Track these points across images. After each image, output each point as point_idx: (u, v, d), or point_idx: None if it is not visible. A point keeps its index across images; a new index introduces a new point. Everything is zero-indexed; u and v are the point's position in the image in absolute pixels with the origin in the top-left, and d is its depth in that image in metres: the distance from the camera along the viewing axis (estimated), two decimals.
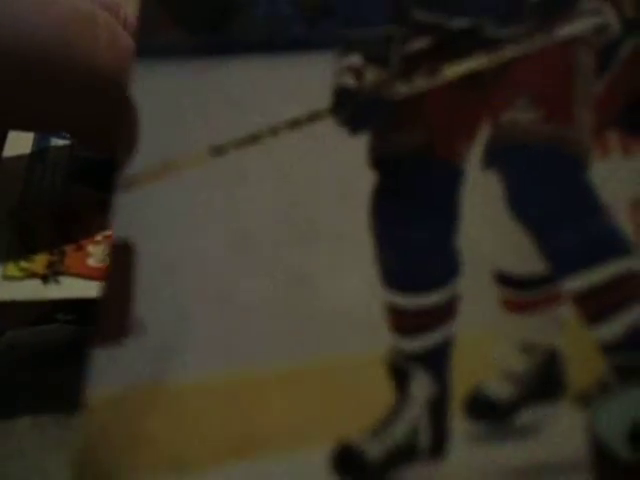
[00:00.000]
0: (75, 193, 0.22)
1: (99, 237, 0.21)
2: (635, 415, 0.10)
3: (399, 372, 0.11)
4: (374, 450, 0.11)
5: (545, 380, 0.11)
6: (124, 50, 0.17)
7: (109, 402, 0.11)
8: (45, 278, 0.21)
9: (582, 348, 0.11)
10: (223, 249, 0.12)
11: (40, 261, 0.21)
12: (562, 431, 0.11)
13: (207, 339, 0.11)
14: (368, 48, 0.13)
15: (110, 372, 0.11)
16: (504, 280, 0.12)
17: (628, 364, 0.11)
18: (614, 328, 0.11)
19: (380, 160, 0.13)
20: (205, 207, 0.13)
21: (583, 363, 0.11)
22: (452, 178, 0.13)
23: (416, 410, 0.11)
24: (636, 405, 0.11)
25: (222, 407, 0.11)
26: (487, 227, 0.12)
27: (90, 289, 0.21)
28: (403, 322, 0.12)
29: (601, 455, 0.10)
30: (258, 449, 0.11)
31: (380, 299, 0.12)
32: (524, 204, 0.12)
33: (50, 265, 0.21)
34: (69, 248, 0.22)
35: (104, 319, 0.11)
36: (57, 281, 0.19)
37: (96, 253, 0.21)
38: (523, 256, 0.12)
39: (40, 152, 0.22)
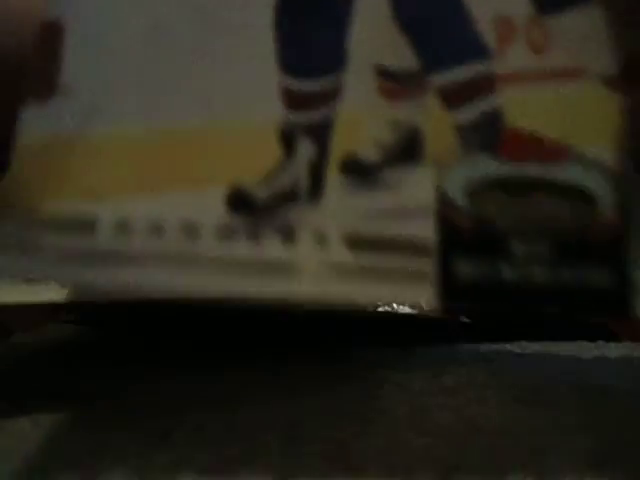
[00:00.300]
0: None
1: None
2: (471, 176, 0.14)
3: (288, 137, 0.14)
4: (262, 193, 0.14)
5: (407, 149, 0.14)
6: None
7: (37, 146, 0.13)
8: None
9: (441, 127, 0.14)
10: (142, 34, 0.14)
11: None
12: (417, 186, 0.14)
13: (126, 100, 0.14)
14: None
15: (38, 124, 0.13)
16: (383, 72, 0.15)
17: (475, 140, 0.14)
18: (468, 113, 0.14)
19: None
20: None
21: (440, 138, 0.14)
22: None
23: (300, 166, 0.14)
24: (473, 169, 0.14)
25: (135, 152, 0.14)
26: (374, 31, 0.15)
27: None
28: (295, 100, 0.14)
29: (444, 203, 0.14)
30: (164, 186, 0.13)
31: (278, 80, 0.14)
32: (404, 11, 0.15)
33: None
34: None
35: (34, 83, 0.14)
36: None
37: None
38: (402, 55, 0.15)
39: None
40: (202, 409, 0.19)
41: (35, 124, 0.14)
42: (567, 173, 0.14)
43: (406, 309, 0.13)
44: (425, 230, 0.14)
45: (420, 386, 0.21)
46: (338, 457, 0.16)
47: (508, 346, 0.27)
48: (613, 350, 0.28)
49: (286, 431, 0.18)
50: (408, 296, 0.14)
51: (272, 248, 0.13)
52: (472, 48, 0.15)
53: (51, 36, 0.14)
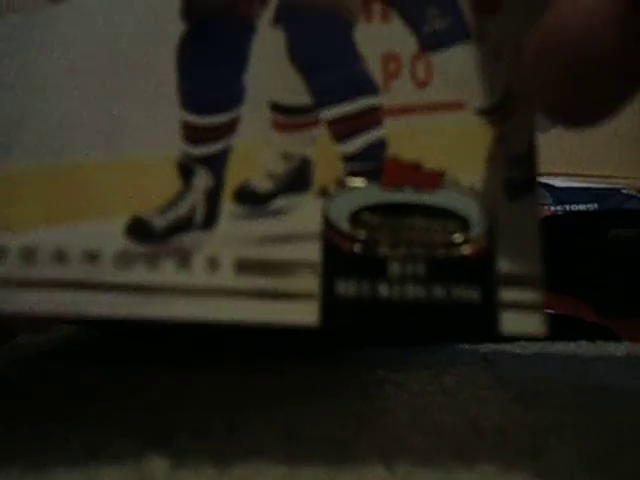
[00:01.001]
0: None
1: None
2: (354, 202, 0.15)
3: (186, 169, 0.16)
4: (160, 222, 0.15)
5: (297, 179, 0.16)
6: None
7: None
8: None
9: (328, 158, 0.16)
10: (51, 74, 0.16)
11: None
12: (305, 213, 0.15)
13: (34, 137, 0.15)
14: None
15: None
16: (277, 108, 0.16)
17: (358, 170, 0.16)
18: (355, 145, 0.16)
19: (190, 13, 0.16)
20: (41, 39, 0.16)
21: (327, 169, 0.16)
22: (247, 31, 0.16)
23: (196, 196, 0.15)
24: (357, 196, 0.15)
25: (42, 185, 0.15)
26: (270, 69, 0.16)
27: None
28: (194, 135, 0.16)
29: (329, 228, 0.15)
30: (68, 217, 0.15)
31: (178, 117, 0.16)
32: (299, 52, 0.16)
33: None
34: None
35: None
36: None
37: None
38: (295, 91, 0.16)
39: None
40: (202, 409, 0.19)
41: None
42: (442, 199, 0.15)
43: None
44: (311, 254, 0.15)
45: (420, 386, 0.22)
46: (338, 457, 0.16)
47: (508, 346, 0.27)
48: (613, 350, 0.28)
49: (286, 431, 0.18)
50: (294, 315, 0.15)
51: (168, 273, 0.15)
52: (360, 84, 0.16)
53: None
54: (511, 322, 0.15)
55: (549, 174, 0.43)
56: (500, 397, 0.21)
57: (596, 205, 0.42)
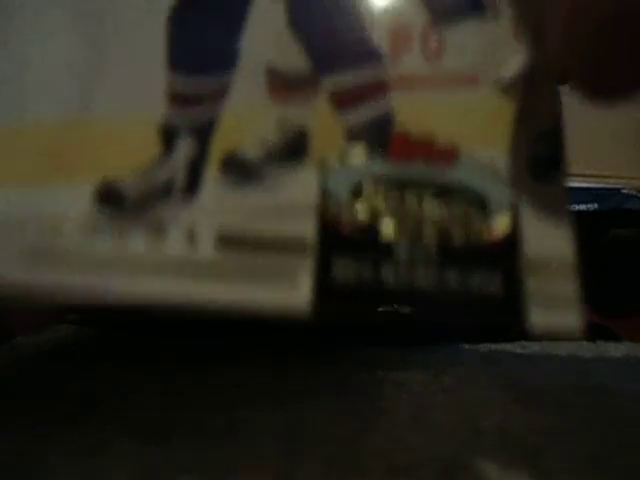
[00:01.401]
0: None
1: None
2: (358, 176, 0.13)
3: (169, 134, 0.14)
4: (132, 188, 0.13)
5: (292, 149, 0.14)
6: None
7: None
8: None
9: (328, 129, 0.14)
10: (22, 21, 0.14)
11: None
12: (299, 185, 0.13)
13: (2, 97, 0.14)
14: None
15: None
16: (274, 73, 0.15)
17: (362, 143, 0.14)
18: (358, 116, 0.14)
19: None
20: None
21: (326, 140, 0.14)
22: None
23: (177, 163, 0.14)
24: (360, 169, 0.14)
25: (6, 146, 0.13)
26: (267, 31, 0.15)
27: None
28: (181, 99, 0.14)
29: (326, 202, 0.13)
30: (34, 181, 0.13)
31: (165, 78, 0.14)
32: (300, 15, 0.15)
33: None
34: None
35: None
36: None
37: None
38: (294, 57, 0.15)
39: None
40: (202, 409, 0.19)
41: None
42: (457, 175, 0.14)
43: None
44: (305, 230, 0.13)
45: (420, 386, 0.21)
46: (338, 457, 0.16)
47: (508, 346, 0.27)
48: (613, 350, 0.28)
49: (286, 431, 0.18)
50: (283, 300, 0.13)
51: (138, 245, 0.13)
52: (365, 53, 0.15)
53: None
54: (541, 317, 0.13)
55: None
56: (500, 397, 0.21)
57: (596, 205, 0.42)
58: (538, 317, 0.13)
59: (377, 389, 0.21)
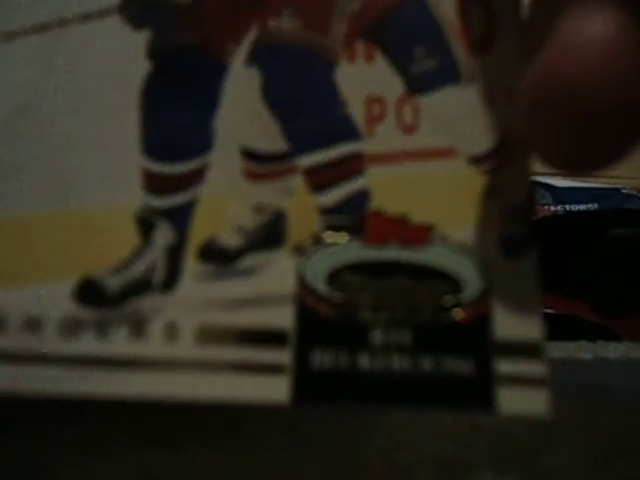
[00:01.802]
0: None
1: None
2: (333, 261, 0.14)
3: (145, 223, 0.14)
4: (114, 283, 0.13)
5: (269, 234, 0.14)
6: None
7: None
8: None
9: (304, 211, 0.14)
10: (4, 117, 0.14)
11: None
12: (277, 273, 0.14)
13: None
14: None
15: None
16: (249, 155, 0.14)
17: (337, 224, 0.14)
18: (333, 196, 0.14)
19: (157, 52, 0.15)
20: None
21: (303, 222, 0.14)
22: (218, 72, 0.15)
23: (156, 254, 0.14)
24: (336, 253, 0.14)
25: None
26: (242, 112, 0.14)
27: None
28: (156, 184, 0.14)
29: (304, 290, 0.13)
30: (10, 277, 0.13)
31: (139, 164, 0.14)
32: (275, 94, 0.15)
33: None
34: None
35: None
36: None
37: None
38: (269, 137, 0.14)
39: None
40: (202, 409, 0.19)
41: None
42: (431, 257, 0.14)
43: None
44: (283, 319, 0.13)
45: None
46: (338, 457, 0.16)
47: None
48: (613, 350, 0.28)
49: (286, 431, 0.18)
50: (262, 391, 0.13)
51: (120, 343, 0.13)
52: (341, 129, 0.15)
53: None
54: (509, 399, 0.13)
55: (549, 174, 0.43)
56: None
57: (596, 205, 0.42)
58: (506, 399, 0.13)
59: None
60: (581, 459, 0.16)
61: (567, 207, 0.41)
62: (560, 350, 0.27)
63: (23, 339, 0.13)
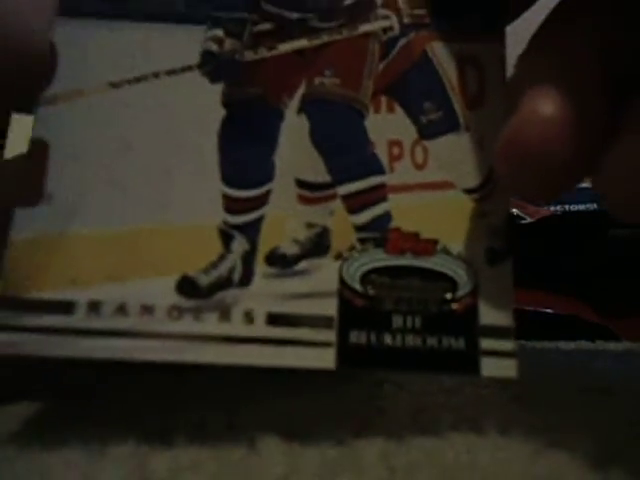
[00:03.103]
0: None
1: None
2: (365, 265, 0.18)
3: (226, 235, 0.18)
4: (205, 280, 0.18)
5: (317, 245, 0.18)
6: None
7: (26, 243, 0.17)
8: None
9: (343, 227, 0.19)
10: (114, 150, 0.18)
11: None
12: (324, 274, 0.18)
13: (97, 206, 0.18)
14: (228, 25, 0.19)
15: (27, 226, 0.17)
16: (302, 184, 0.19)
17: (367, 237, 0.18)
18: (364, 217, 0.19)
19: (229, 102, 0.19)
20: (104, 120, 0.19)
21: (342, 236, 0.18)
22: (276, 118, 0.19)
23: (234, 258, 0.18)
24: (366, 260, 0.18)
25: (104, 248, 0.18)
26: (295, 151, 0.19)
27: None
28: (232, 206, 0.18)
29: (343, 287, 0.18)
30: (127, 275, 0.17)
31: (219, 190, 0.18)
32: (320, 137, 0.19)
33: None
34: None
35: (23, 192, 0.18)
36: None
37: None
38: (317, 170, 0.19)
39: None
40: (202, 408, 0.19)
41: (24, 226, 0.17)
42: (436, 263, 0.18)
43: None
44: (329, 308, 0.17)
45: (420, 386, 0.21)
46: (338, 457, 0.16)
47: None
48: (613, 350, 0.28)
49: (286, 431, 0.18)
50: (315, 360, 0.17)
51: (211, 324, 0.17)
52: (370, 165, 0.19)
53: (38, 152, 0.18)
54: (489, 367, 0.17)
55: None
56: (500, 397, 0.21)
57: (596, 205, 0.42)
58: (487, 366, 0.17)
59: (377, 389, 0.21)
60: (581, 459, 0.16)
61: (566, 207, 0.41)
62: (560, 350, 0.27)
63: (140, 321, 0.17)
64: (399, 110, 0.19)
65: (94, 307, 0.17)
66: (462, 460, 0.16)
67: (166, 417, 0.19)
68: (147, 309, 0.17)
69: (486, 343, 0.17)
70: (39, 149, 0.18)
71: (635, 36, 0.16)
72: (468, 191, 0.19)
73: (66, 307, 0.17)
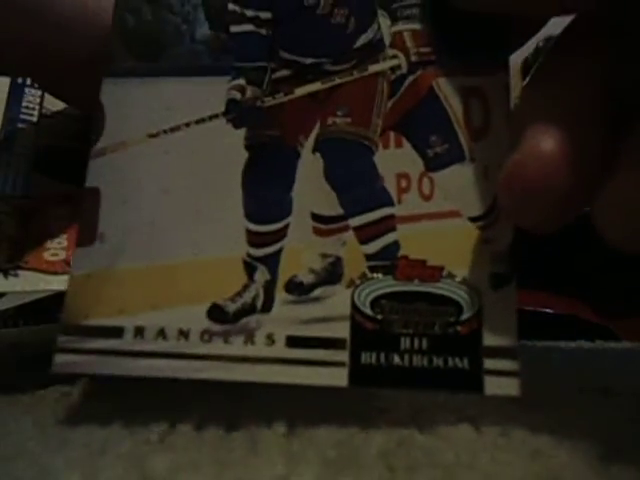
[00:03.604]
0: (37, 184, 0.24)
1: (57, 231, 0.23)
2: (375, 294, 0.19)
3: (249, 266, 0.20)
4: (232, 307, 0.19)
5: (331, 273, 0.20)
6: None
7: (82, 278, 0.20)
8: (5, 272, 0.22)
9: (354, 257, 0.20)
10: (154, 195, 0.21)
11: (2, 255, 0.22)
12: (338, 300, 0.19)
13: (140, 244, 0.20)
14: (250, 74, 0.21)
15: (84, 263, 0.20)
16: (316, 217, 0.20)
17: (377, 265, 0.20)
18: (374, 246, 0.20)
19: (252, 145, 0.21)
20: (145, 168, 0.21)
21: (354, 265, 0.20)
22: (293, 157, 0.21)
23: (257, 287, 0.20)
24: (377, 288, 0.19)
25: (146, 281, 0.20)
26: (310, 187, 0.20)
27: (46, 282, 0.22)
28: (255, 239, 0.20)
29: (355, 311, 0.19)
30: (167, 304, 0.20)
31: (243, 225, 0.20)
32: (333, 173, 0.20)
33: (11, 259, 0.22)
34: (28, 242, 0.23)
35: (80, 234, 0.20)
36: (16, 275, 0.24)
37: (53, 247, 0.22)
38: (330, 204, 0.20)
39: (6, 140, 0.25)
40: (202, 408, 0.19)
41: (82, 262, 0.20)
42: (442, 289, 0.19)
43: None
44: (343, 331, 0.19)
45: None
46: (338, 457, 0.16)
47: None
48: (613, 350, 0.28)
49: (286, 431, 0.18)
50: (330, 379, 0.18)
51: (238, 346, 0.19)
52: (380, 198, 0.20)
53: (93, 199, 0.20)
54: (492, 385, 0.18)
55: None
56: (500, 397, 0.21)
57: None
58: (490, 384, 0.18)
59: (377, 389, 0.21)
60: (581, 459, 0.16)
61: None
62: (560, 350, 0.27)
63: (177, 344, 0.19)
64: (406, 144, 0.20)
65: (139, 332, 0.19)
66: (462, 460, 0.16)
67: (166, 417, 0.19)
68: (183, 333, 0.19)
69: (489, 363, 0.18)
70: (92, 196, 0.20)
71: (635, 67, 0.16)
72: (473, 219, 0.20)
73: (116, 332, 0.19)
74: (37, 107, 0.25)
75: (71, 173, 0.23)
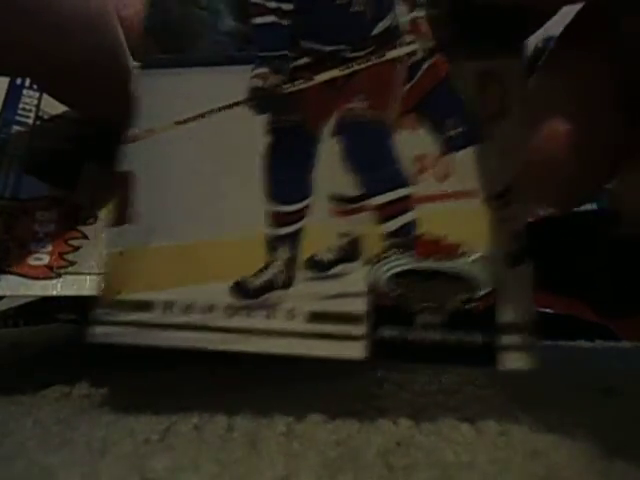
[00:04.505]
0: (27, 187, 0.24)
1: (43, 235, 0.23)
2: (393, 271, 0.20)
3: (272, 245, 0.21)
4: (254, 284, 0.20)
5: (350, 251, 0.20)
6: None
7: (116, 255, 0.21)
8: None
9: (373, 235, 0.20)
10: (182, 179, 0.21)
11: None
12: (356, 276, 0.20)
13: (170, 223, 0.21)
14: (272, 63, 0.22)
15: (118, 241, 0.21)
16: (336, 198, 0.21)
17: (395, 243, 0.20)
18: (393, 225, 0.20)
19: (273, 129, 0.22)
20: (172, 153, 0.22)
21: (372, 243, 0.20)
22: (314, 142, 0.21)
23: (279, 264, 0.20)
24: (394, 265, 0.20)
25: (175, 258, 0.21)
26: (330, 169, 0.21)
27: (26, 287, 0.22)
28: (277, 219, 0.21)
29: (373, 288, 0.20)
30: (193, 280, 0.20)
31: (264, 206, 0.21)
32: (352, 156, 0.21)
33: None
34: (12, 245, 0.23)
35: (116, 213, 0.21)
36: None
37: (37, 251, 0.22)
38: (350, 185, 0.21)
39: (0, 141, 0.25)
40: (202, 409, 0.19)
41: (116, 241, 0.21)
42: (458, 266, 0.20)
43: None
44: (360, 306, 0.19)
45: (420, 386, 0.21)
46: (338, 457, 0.16)
47: None
48: (613, 350, 0.28)
49: (286, 431, 0.18)
50: (348, 351, 0.19)
51: (260, 320, 0.20)
52: (398, 179, 0.21)
53: (127, 182, 0.21)
54: (507, 360, 0.18)
55: None
56: (500, 397, 0.21)
57: (596, 205, 0.42)
58: (504, 359, 0.18)
59: (377, 389, 0.21)
60: (581, 459, 0.16)
61: None
62: (560, 350, 0.27)
63: (203, 317, 0.20)
64: (424, 127, 0.21)
65: (168, 306, 0.20)
66: (462, 460, 0.16)
67: (166, 417, 0.19)
68: (209, 308, 0.20)
69: (504, 339, 0.19)
70: (127, 179, 0.22)
71: None
72: (489, 199, 0.20)
73: (147, 306, 0.20)
74: (34, 109, 0.25)
75: (61, 176, 0.23)
